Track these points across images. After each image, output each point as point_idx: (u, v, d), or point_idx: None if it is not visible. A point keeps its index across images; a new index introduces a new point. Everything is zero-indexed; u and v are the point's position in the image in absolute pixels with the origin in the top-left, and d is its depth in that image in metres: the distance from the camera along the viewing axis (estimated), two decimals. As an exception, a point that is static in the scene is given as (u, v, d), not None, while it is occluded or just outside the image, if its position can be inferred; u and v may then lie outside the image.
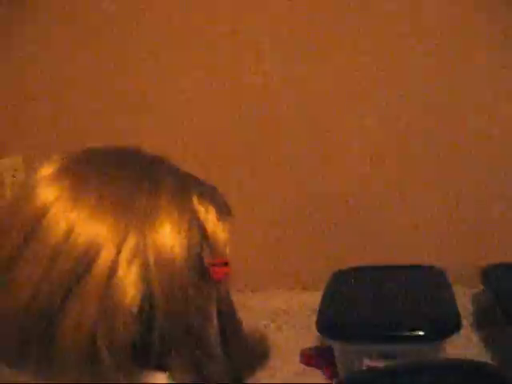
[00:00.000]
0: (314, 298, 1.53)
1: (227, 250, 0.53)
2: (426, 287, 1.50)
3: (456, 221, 1.72)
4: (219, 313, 0.52)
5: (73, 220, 0.47)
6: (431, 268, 1.59)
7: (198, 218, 0.51)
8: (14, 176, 1.89)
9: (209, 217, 0.52)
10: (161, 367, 0.51)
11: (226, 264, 0.51)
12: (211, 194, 0.54)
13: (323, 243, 1.79)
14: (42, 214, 0.48)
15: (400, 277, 1.58)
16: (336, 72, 1.70)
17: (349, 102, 1.71)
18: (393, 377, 1.18)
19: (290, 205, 1.77)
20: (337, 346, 1.41)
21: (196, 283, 0.50)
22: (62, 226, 0.47)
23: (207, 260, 0.51)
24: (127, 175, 0.51)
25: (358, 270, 1.63)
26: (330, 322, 1.40)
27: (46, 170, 0.52)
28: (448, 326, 1.30)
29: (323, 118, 1.74)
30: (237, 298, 0.59)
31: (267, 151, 1.77)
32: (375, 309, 1.43)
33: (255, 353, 0.56)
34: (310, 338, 1.58)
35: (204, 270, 0.51)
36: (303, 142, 1.76)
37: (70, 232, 0.46)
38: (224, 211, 0.54)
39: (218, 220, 0.52)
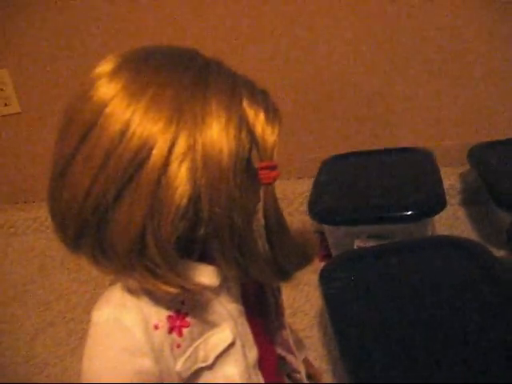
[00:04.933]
0: (308, 186, 1.57)
1: (275, 154, 0.52)
2: (413, 169, 1.52)
3: (443, 102, 1.72)
4: (266, 214, 0.53)
5: (128, 119, 0.48)
6: (419, 150, 1.61)
7: (247, 122, 0.51)
8: (1, 89, 1.91)
9: (258, 120, 0.52)
10: (207, 261, 0.54)
11: (275, 168, 0.51)
12: (261, 98, 0.53)
13: (313, 132, 1.81)
14: (99, 112, 0.49)
15: (388, 160, 1.60)
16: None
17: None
18: (383, 254, 1.23)
19: (280, 96, 1.78)
20: (328, 230, 1.47)
21: (243, 185, 0.50)
22: (118, 125, 0.48)
23: (256, 163, 0.51)
24: (182, 77, 0.51)
25: (347, 156, 1.66)
26: (321, 207, 1.45)
27: (104, 68, 0.52)
28: (433, 205, 1.34)
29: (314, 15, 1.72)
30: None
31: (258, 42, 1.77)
32: (364, 192, 1.46)
33: (301, 253, 0.58)
34: (306, 224, 1.64)
35: (253, 172, 0.52)
36: (297, 36, 1.75)
37: (124, 131, 0.48)
38: (273, 115, 0.53)
39: (267, 124, 0.52)
